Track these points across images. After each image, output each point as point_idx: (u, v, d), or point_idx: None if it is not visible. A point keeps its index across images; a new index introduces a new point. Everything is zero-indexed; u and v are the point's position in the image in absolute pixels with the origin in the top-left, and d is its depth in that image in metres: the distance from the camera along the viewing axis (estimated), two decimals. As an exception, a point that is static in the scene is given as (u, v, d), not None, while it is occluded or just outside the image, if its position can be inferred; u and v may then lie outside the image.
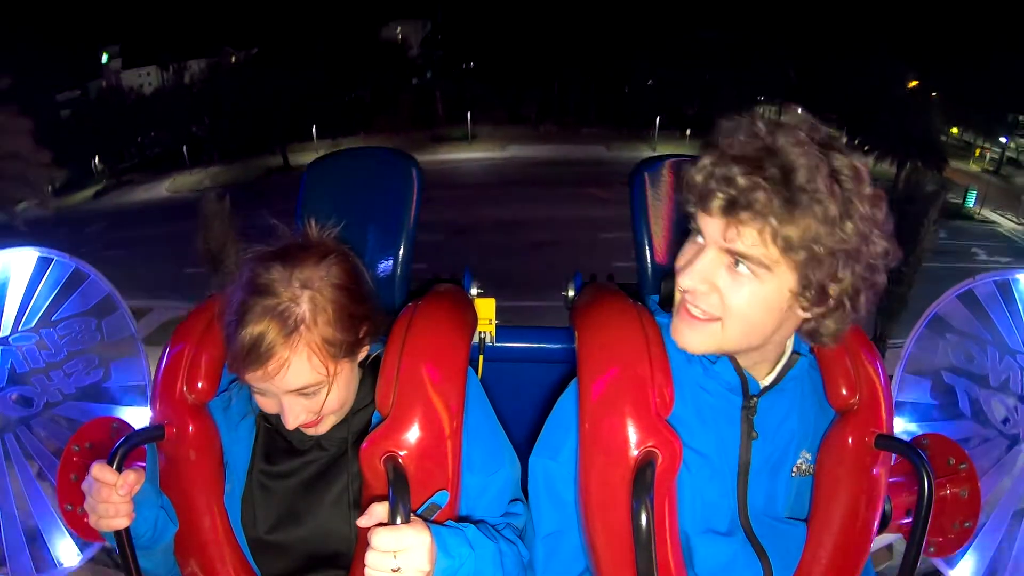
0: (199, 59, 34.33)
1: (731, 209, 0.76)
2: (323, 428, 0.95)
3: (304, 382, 0.86)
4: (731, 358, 0.89)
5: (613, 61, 34.23)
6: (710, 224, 0.80)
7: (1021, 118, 26.96)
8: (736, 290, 0.80)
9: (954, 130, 29.68)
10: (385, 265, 1.20)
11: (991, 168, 26.99)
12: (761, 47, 30.64)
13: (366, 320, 0.93)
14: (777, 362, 0.91)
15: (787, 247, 0.75)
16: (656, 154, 1.24)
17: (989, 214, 23.22)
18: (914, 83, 26.88)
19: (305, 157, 31.20)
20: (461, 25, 36.38)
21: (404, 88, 35.26)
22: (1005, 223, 22.64)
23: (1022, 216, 22.35)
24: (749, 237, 0.77)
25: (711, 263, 0.81)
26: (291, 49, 32.01)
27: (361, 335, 0.92)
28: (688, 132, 31.19)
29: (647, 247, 1.19)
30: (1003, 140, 27.60)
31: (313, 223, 0.94)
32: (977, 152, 28.81)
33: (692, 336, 0.85)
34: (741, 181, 0.75)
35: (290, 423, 0.89)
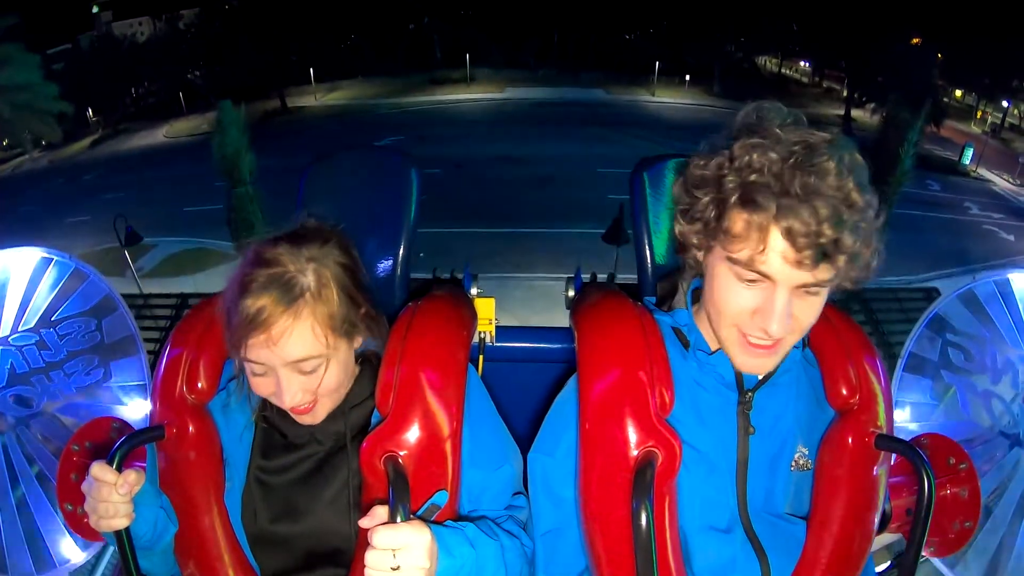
0: (191, 8, 33.77)
1: (821, 259, 0.77)
2: (319, 414, 0.94)
3: (305, 352, 0.86)
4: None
5: (614, 9, 34.12)
6: (793, 274, 0.78)
7: None
8: (809, 310, 0.83)
9: (957, 93, 29.59)
10: (385, 265, 1.20)
11: (991, 131, 26.74)
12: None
13: (365, 304, 0.94)
14: None
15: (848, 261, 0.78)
16: (655, 154, 1.23)
17: (985, 172, 23.02)
18: (916, 40, 26.65)
19: (303, 100, 31.35)
20: None
21: (401, 33, 34.89)
22: (1000, 182, 22.41)
23: (1019, 177, 22.08)
24: (827, 272, 0.78)
25: (789, 301, 0.80)
26: None
27: (360, 318, 0.93)
28: (688, 78, 31.41)
29: (647, 247, 1.19)
30: (1005, 104, 27.50)
31: (312, 217, 0.96)
32: (979, 114, 28.66)
33: (766, 362, 0.88)
34: (837, 235, 0.75)
35: (287, 400, 0.88)
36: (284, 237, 0.90)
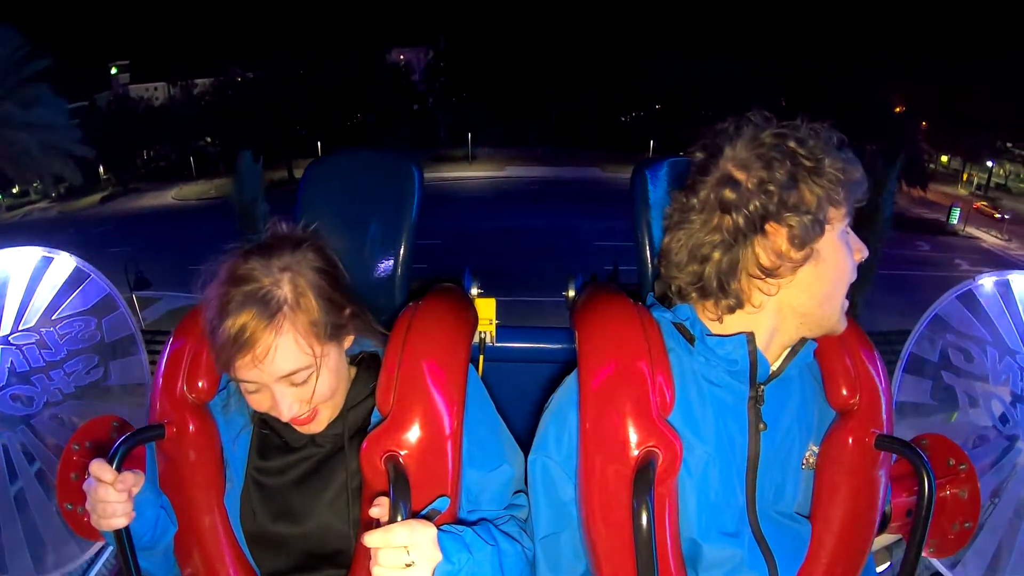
0: (206, 78, 34.66)
1: None
2: (320, 424, 0.95)
3: (293, 366, 0.86)
4: (749, 338, 0.88)
5: (609, 93, 35.83)
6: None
7: (1009, 145, 27.26)
8: None
9: (943, 158, 30.53)
10: (385, 265, 1.20)
11: (978, 192, 27.53)
12: (752, 75, 31.36)
13: (347, 305, 0.93)
14: (788, 344, 0.92)
15: None
16: (654, 156, 1.24)
17: (973, 231, 23.68)
18: (899, 108, 27.27)
19: None
20: (462, 53, 37.22)
21: (406, 113, 36.32)
22: (988, 238, 23.08)
23: (1006, 233, 22.54)
24: None
25: None
26: (298, 68, 32.68)
27: (344, 319, 0.93)
28: (681, 154, 32.42)
29: (647, 247, 1.18)
30: (989, 164, 28.25)
31: (283, 224, 0.96)
32: (964, 177, 29.57)
33: None
34: None
35: (284, 414, 0.89)
36: (255, 250, 0.89)
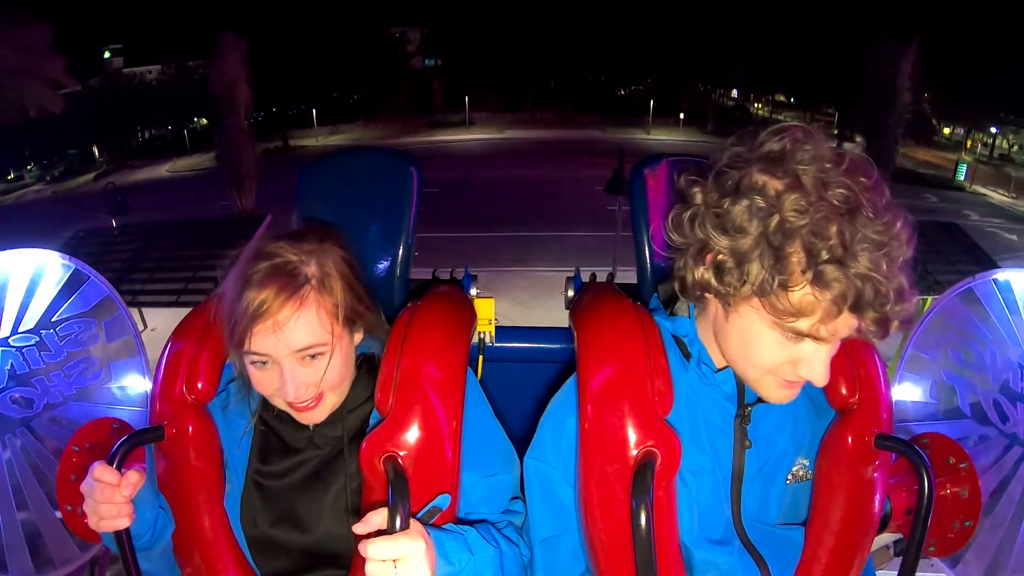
0: (201, 59, 34.41)
1: (884, 317, 0.73)
2: (323, 411, 0.94)
3: (311, 339, 0.87)
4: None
5: (608, 61, 35.68)
6: (841, 325, 0.75)
7: (1012, 116, 27.07)
8: (837, 345, 0.80)
9: (946, 131, 30.29)
10: (385, 265, 1.20)
11: (982, 159, 27.09)
12: (754, 42, 30.95)
13: (365, 298, 0.95)
14: None
15: None
16: (656, 153, 1.23)
17: (979, 188, 23.33)
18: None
19: (305, 140, 32.67)
20: (459, 26, 36.74)
21: (402, 83, 36.09)
22: (996, 196, 22.61)
23: (1014, 191, 22.25)
24: None
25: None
26: (293, 40, 32.27)
27: (362, 310, 0.94)
28: (682, 117, 33.18)
29: (647, 247, 1.18)
30: (993, 131, 27.92)
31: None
32: (968, 144, 29.11)
33: (798, 391, 0.85)
34: (901, 305, 0.73)
35: (291, 393, 0.88)
36: (282, 235, 0.91)
